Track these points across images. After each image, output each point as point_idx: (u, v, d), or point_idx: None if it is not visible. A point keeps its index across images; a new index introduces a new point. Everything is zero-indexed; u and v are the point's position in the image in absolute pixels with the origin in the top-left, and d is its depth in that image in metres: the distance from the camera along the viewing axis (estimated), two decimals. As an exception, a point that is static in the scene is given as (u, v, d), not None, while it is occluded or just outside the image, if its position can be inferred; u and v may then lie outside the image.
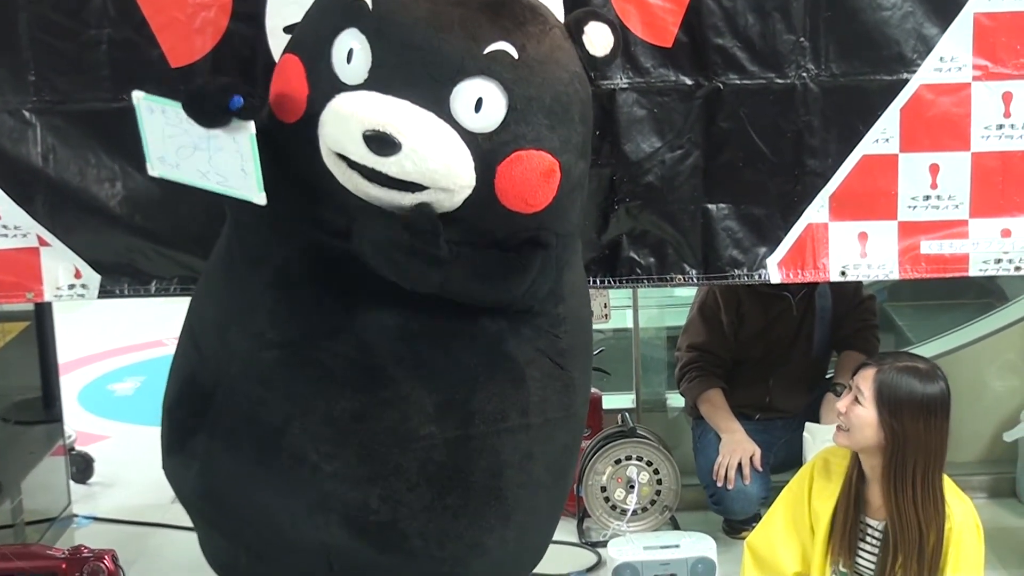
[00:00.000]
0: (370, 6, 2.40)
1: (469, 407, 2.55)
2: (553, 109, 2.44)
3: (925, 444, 2.80)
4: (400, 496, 2.54)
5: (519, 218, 2.46)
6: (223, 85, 2.39)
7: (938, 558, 2.82)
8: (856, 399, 2.86)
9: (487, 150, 2.39)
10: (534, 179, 2.43)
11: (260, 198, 2.43)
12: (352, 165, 2.38)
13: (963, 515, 2.86)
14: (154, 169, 2.53)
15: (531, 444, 2.62)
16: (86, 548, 1.66)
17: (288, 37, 2.61)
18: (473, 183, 2.39)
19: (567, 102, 2.47)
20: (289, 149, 2.46)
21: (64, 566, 1.76)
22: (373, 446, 2.52)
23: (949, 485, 2.88)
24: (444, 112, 2.37)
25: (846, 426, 2.87)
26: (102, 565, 1.72)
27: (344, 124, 2.36)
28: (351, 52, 2.40)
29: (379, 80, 2.38)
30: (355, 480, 2.53)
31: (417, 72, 2.37)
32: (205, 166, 2.46)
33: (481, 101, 2.38)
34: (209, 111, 2.38)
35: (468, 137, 2.38)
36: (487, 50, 2.38)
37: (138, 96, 2.47)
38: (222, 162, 2.44)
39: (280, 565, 2.67)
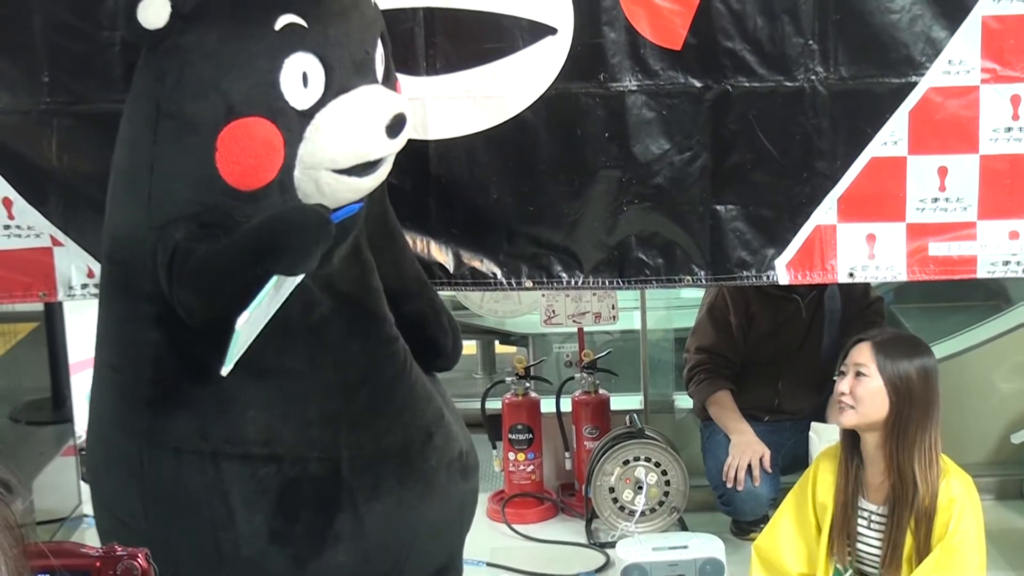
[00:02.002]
0: (306, 24, 2.40)
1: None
2: None
3: (924, 401, 2.88)
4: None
5: None
6: (316, 208, 2.38)
7: (933, 517, 2.87)
8: (857, 375, 2.90)
9: None
10: None
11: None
12: (347, 172, 2.43)
13: (961, 488, 2.91)
14: (231, 364, 2.33)
15: None
16: (119, 547, 1.67)
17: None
18: None
19: None
20: (263, 210, 2.42)
21: (98, 564, 1.76)
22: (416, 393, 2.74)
23: (948, 462, 2.94)
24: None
25: (851, 403, 2.91)
26: (136, 564, 1.72)
27: (358, 129, 2.42)
28: (305, 76, 2.40)
29: (339, 84, 2.43)
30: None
31: (360, 58, 2.48)
32: (273, 305, 2.35)
33: (384, 57, 2.56)
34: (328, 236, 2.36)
35: None
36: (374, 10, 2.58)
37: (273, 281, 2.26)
38: (290, 285, 2.35)
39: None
